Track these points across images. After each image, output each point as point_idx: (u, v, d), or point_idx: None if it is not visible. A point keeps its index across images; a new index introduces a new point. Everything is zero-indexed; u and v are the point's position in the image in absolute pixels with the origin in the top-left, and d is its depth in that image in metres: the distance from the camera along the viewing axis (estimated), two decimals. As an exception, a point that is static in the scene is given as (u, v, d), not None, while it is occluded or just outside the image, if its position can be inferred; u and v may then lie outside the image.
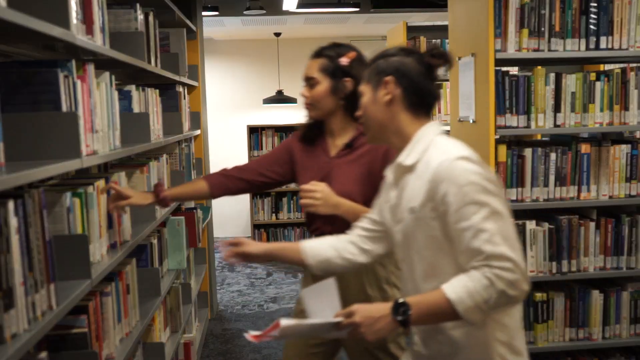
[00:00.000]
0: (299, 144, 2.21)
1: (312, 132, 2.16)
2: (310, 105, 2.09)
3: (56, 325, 1.44)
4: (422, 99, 1.55)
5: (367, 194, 1.96)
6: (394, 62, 1.54)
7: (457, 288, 1.34)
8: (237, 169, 2.24)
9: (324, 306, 1.52)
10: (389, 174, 1.63)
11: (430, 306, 1.36)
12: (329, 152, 2.11)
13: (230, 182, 2.23)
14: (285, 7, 5.26)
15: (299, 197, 2.00)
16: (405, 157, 1.53)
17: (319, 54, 2.08)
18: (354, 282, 2.04)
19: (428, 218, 1.45)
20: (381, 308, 1.39)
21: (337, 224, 1.97)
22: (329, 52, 2.06)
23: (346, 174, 2.04)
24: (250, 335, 1.49)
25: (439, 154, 1.46)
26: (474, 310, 1.33)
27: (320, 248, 1.78)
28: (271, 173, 2.22)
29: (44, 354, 1.40)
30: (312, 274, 2.03)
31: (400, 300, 1.38)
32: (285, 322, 1.41)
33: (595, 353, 2.86)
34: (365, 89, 1.59)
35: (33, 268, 1.31)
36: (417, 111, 1.55)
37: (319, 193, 1.94)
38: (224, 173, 2.24)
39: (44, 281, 1.36)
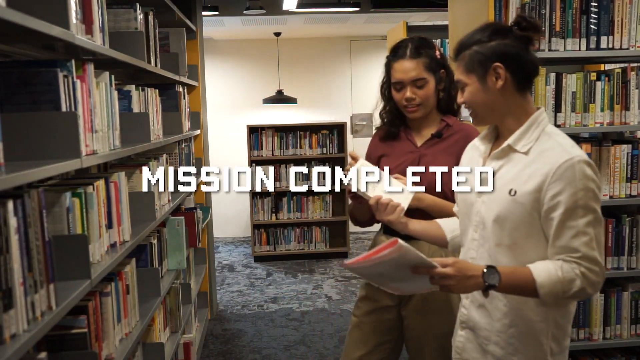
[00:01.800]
0: (380, 143, 2.23)
1: (397, 128, 2.17)
2: (419, 106, 2.08)
3: (56, 326, 1.43)
4: (528, 77, 1.58)
5: None
6: (497, 47, 1.54)
7: (544, 273, 1.46)
8: None
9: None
10: (482, 145, 1.67)
11: (517, 281, 1.48)
12: (415, 142, 2.15)
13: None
14: (285, 7, 5.26)
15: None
16: (515, 141, 1.57)
17: (417, 53, 2.06)
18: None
19: (529, 206, 1.51)
20: (474, 268, 1.48)
21: (417, 218, 1.98)
22: (426, 50, 2.07)
23: (436, 162, 2.06)
24: (345, 263, 1.46)
25: (558, 150, 1.51)
26: (552, 296, 1.47)
27: (454, 224, 1.82)
28: None
29: (43, 355, 1.39)
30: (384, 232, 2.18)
31: (492, 266, 1.47)
32: (403, 242, 1.39)
33: (596, 353, 2.86)
34: (467, 79, 1.59)
35: (32, 268, 1.31)
36: (524, 90, 1.58)
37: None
38: None
39: (43, 281, 1.35)
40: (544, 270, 1.47)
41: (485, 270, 1.46)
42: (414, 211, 1.96)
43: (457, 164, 2.01)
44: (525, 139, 1.56)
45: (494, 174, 1.60)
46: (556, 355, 1.60)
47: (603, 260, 1.50)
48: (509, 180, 1.55)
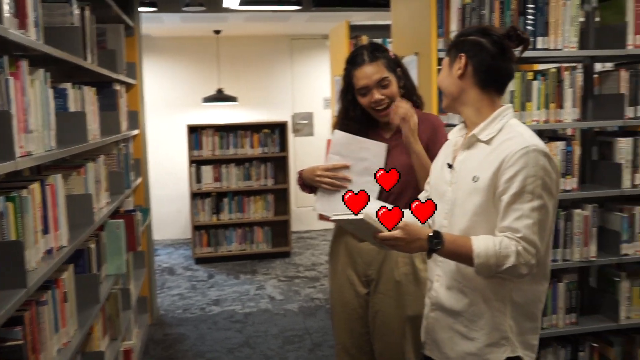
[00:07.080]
0: None
1: (365, 134, 2.24)
2: (387, 105, 2.17)
3: (-10, 339, 1.36)
4: (491, 77, 1.67)
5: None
6: (470, 41, 1.67)
7: (482, 245, 1.56)
8: None
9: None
10: (454, 137, 1.79)
11: (458, 248, 1.59)
12: (384, 135, 2.26)
13: None
14: (225, 4, 5.18)
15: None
16: (480, 132, 1.66)
17: (374, 57, 2.16)
18: (402, 255, 2.17)
19: (488, 191, 1.60)
20: (421, 232, 1.59)
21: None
22: (381, 53, 2.18)
23: (406, 151, 2.16)
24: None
25: (517, 139, 1.59)
26: (486, 267, 1.56)
27: None
28: None
29: (-24, 370, 1.31)
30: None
31: (438, 232, 1.58)
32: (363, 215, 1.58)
33: (535, 344, 2.96)
34: (444, 62, 1.74)
35: (-36, 278, 1.23)
36: (486, 88, 1.67)
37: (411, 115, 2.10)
38: None
39: (-25, 292, 1.27)
40: (484, 242, 1.56)
41: (430, 234, 1.58)
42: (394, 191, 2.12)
43: (426, 150, 2.16)
44: (489, 130, 1.66)
45: (462, 163, 1.70)
46: (517, 335, 1.67)
47: (543, 249, 1.58)
48: (473, 168, 1.66)
